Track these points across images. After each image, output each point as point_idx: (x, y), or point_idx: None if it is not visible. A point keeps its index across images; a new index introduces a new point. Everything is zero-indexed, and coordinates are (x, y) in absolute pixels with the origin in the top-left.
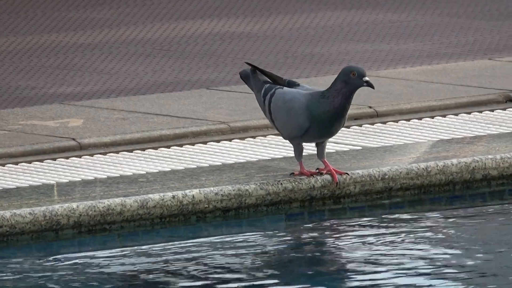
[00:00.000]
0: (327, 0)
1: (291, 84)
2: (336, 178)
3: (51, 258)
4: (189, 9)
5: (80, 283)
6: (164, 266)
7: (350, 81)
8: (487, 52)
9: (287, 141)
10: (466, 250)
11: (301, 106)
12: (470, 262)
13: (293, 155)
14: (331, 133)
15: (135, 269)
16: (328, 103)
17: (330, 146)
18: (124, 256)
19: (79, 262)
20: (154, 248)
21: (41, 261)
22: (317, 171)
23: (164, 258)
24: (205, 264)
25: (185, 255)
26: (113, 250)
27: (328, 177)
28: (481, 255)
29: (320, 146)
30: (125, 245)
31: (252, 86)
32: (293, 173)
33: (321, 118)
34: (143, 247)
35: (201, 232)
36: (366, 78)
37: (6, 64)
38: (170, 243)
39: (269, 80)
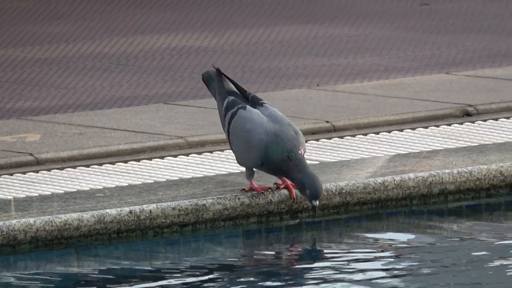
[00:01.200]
0: (284, 14)
1: (255, 101)
2: (293, 193)
3: (8, 273)
4: (146, 24)
5: None
6: (121, 280)
7: (305, 193)
8: (444, 66)
9: None
10: (422, 263)
11: (260, 144)
12: (425, 275)
13: None
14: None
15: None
16: (277, 164)
17: None
18: (81, 271)
19: (36, 276)
20: (111, 263)
21: None
22: (275, 185)
23: (121, 272)
24: (163, 278)
25: (142, 270)
26: (71, 265)
27: (285, 191)
28: (436, 268)
29: None
30: (82, 260)
31: (215, 91)
32: (244, 189)
33: (275, 163)
34: (101, 262)
35: (158, 246)
36: (316, 203)
37: None
38: (127, 258)
39: (233, 88)
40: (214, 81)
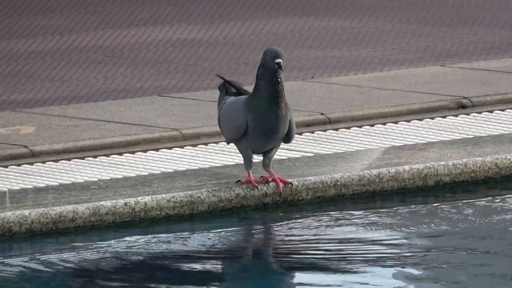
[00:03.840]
0: (278, 7)
1: None
2: (280, 187)
3: (3, 264)
4: (140, 16)
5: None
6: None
7: (266, 63)
8: (438, 59)
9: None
10: (416, 253)
11: (240, 104)
12: (422, 270)
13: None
14: (272, 129)
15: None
16: (260, 91)
17: (282, 152)
18: (76, 261)
19: (31, 267)
20: (105, 254)
21: None
22: (261, 179)
23: (116, 262)
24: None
25: (138, 260)
26: (65, 254)
27: (280, 184)
28: (432, 258)
29: (266, 157)
30: (76, 250)
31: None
32: (239, 181)
33: (257, 108)
34: (95, 253)
35: (153, 238)
36: (278, 60)
37: None
38: (122, 249)
39: (235, 91)
40: (220, 94)
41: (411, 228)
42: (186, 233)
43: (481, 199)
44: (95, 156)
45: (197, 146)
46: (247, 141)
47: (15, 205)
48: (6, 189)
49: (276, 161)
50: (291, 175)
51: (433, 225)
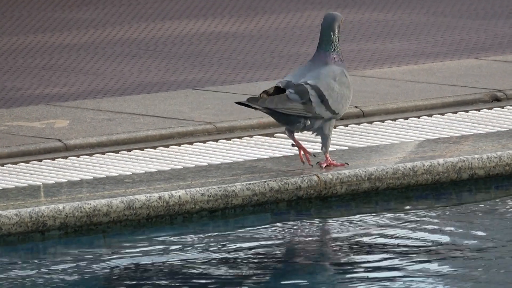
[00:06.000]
0: (313, 0)
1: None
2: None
3: (37, 259)
4: (174, 9)
5: (66, 284)
6: (153, 266)
7: (340, 29)
8: (473, 52)
9: (275, 140)
10: (451, 247)
11: (344, 74)
12: (458, 260)
13: (280, 155)
14: None
15: (123, 269)
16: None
17: (317, 146)
18: (111, 256)
19: (66, 263)
20: (141, 248)
21: (27, 262)
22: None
23: (152, 258)
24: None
25: (172, 255)
26: (99, 250)
27: (314, 177)
28: (468, 253)
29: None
30: (111, 246)
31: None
32: (319, 163)
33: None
34: (130, 247)
35: (187, 232)
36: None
37: None
38: (157, 244)
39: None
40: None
41: (446, 223)
42: (221, 228)
43: None
44: (129, 150)
45: (231, 139)
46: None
47: (50, 199)
48: (41, 183)
49: (310, 155)
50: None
51: (469, 220)
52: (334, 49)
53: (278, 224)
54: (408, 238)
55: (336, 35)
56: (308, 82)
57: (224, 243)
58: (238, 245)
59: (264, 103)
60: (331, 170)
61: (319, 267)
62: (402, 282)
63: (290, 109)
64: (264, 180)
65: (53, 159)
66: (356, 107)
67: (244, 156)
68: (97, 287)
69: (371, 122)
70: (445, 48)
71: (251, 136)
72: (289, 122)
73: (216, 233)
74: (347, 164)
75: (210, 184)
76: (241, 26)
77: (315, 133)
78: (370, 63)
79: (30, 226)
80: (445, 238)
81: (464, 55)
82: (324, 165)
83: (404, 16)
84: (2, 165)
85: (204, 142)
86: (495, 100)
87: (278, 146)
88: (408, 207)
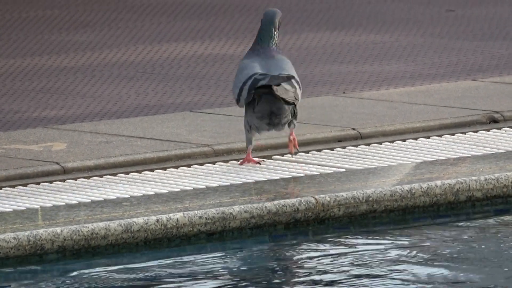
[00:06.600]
0: (310, 21)
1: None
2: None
3: (35, 283)
4: (171, 32)
5: None
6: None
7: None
8: (470, 73)
9: (272, 162)
10: (450, 269)
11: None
12: (454, 281)
13: (277, 177)
14: None
15: None
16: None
17: (314, 168)
18: (109, 279)
19: (64, 286)
20: (139, 271)
21: (25, 285)
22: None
23: (150, 281)
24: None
25: (171, 277)
26: (98, 273)
27: (312, 200)
28: (465, 274)
29: None
30: (109, 269)
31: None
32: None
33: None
34: (128, 270)
35: (185, 254)
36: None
37: None
38: (155, 266)
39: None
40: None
41: (443, 245)
42: (219, 252)
43: None
44: (127, 173)
45: (229, 162)
46: None
47: (47, 222)
48: (38, 206)
49: (308, 177)
50: (322, 191)
51: (464, 242)
52: (274, 43)
53: (276, 246)
54: (405, 262)
55: (276, 31)
56: (282, 73)
57: (222, 265)
58: (236, 267)
59: (277, 91)
60: (330, 193)
61: None
62: None
63: (291, 98)
64: (262, 202)
65: (51, 182)
66: (354, 129)
67: (242, 178)
68: None
69: (368, 144)
70: (442, 69)
71: None
72: (282, 114)
73: (213, 255)
74: (263, 160)
75: (208, 207)
76: (238, 48)
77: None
78: (368, 85)
79: (28, 250)
80: (444, 262)
81: (461, 77)
82: (291, 137)
83: (401, 37)
84: (0, 188)
85: (202, 164)
86: (492, 121)
87: (276, 168)
88: (405, 230)
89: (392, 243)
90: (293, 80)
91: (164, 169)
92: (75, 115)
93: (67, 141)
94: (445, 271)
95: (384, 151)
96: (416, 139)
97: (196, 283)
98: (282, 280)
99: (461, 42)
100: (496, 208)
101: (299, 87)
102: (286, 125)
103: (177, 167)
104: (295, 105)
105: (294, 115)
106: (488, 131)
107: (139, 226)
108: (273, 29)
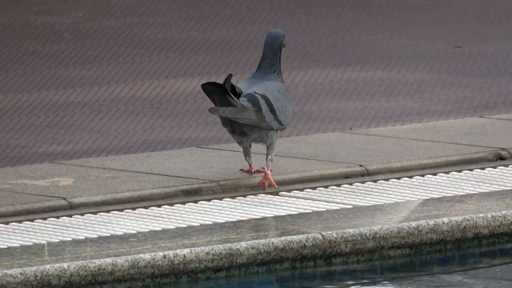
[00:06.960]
0: (316, 58)
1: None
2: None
3: None
4: (178, 67)
5: None
6: None
7: (282, 46)
8: (477, 110)
9: (279, 199)
10: None
11: (285, 89)
12: None
13: (284, 213)
14: None
15: None
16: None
17: (321, 204)
18: None
19: None
20: None
21: None
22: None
23: None
24: None
25: None
26: None
27: (319, 236)
28: None
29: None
30: None
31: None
32: (260, 169)
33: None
34: None
35: None
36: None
37: None
38: None
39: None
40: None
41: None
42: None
43: None
44: (134, 208)
45: (236, 198)
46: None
47: (54, 258)
48: (45, 242)
49: (315, 213)
50: (329, 227)
51: (473, 281)
52: (274, 71)
53: (283, 283)
54: None
55: (278, 55)
56: (257, 92)
57: None
58: None
59: (224, 113)
60: (337, 229)
61: None
62: None
63: (245, 119)
64: (269, 238)
65: (58, 217)
66: (361, 165)
67: (249, 214)
68: None
69: (375, 181)
70: (449, 106)
71: (255, 194)
72: (242, 133)
73: None
74: (263, 167)
75: (215, 243)
76: None
77: (264, 144)
78: (374, 121)
79: (35, 285)
80: None
81: (468, 113)
82: (263, 171)
83: (407, 74)
84: (7, 223)
85: (209, 200)
86: (499, 158)
87: (282, 204)
88: (413, 267)
89: (399, 279)
90: (261, 100)
91: (171, 204)
92: (82, 150)
93: (74, 176)
94: None
95: (391, 188)
96: (423, 175)
97: None
98: None
99: (468, 78)
100: (503, 245)
101: (272, 109)
102: (264, 145)
103: (184, 203)
104: (274, 129)
105: (270, 144)
106: (495, 168)
107: (146, 262)
108: (273, 54)
